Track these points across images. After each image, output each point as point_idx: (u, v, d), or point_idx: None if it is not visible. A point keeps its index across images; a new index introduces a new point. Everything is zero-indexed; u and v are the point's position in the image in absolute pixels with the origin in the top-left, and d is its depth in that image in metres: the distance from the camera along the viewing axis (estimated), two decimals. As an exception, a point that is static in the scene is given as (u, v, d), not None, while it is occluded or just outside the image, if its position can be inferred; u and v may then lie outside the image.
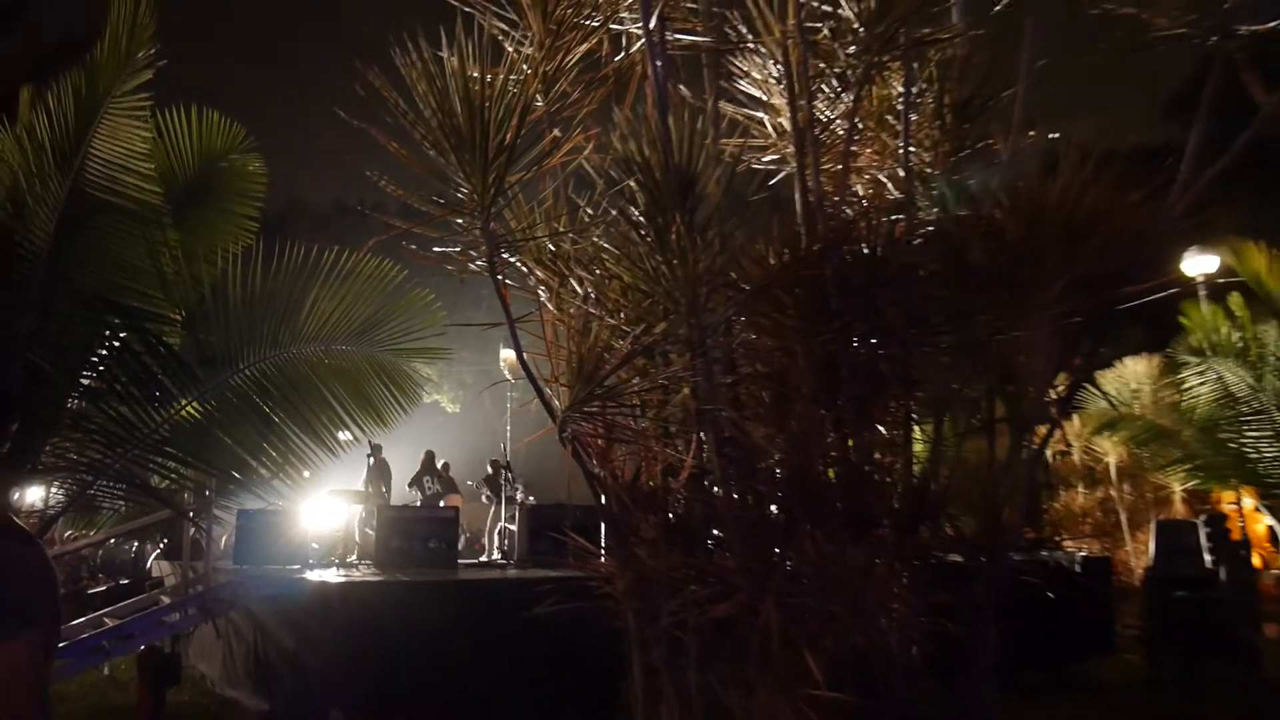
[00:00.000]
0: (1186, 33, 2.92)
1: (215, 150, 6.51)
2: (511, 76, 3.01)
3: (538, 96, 3.22)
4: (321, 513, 10.76)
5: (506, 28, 3.33)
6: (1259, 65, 2.91)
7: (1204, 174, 3.00)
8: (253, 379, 5.76)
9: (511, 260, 3.27)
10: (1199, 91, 3.02)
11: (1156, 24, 2.93)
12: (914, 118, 3.52)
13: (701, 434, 3.09)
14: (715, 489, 3.15)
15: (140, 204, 5.43)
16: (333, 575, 7.87)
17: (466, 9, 3.14)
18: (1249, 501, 11.96)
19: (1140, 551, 12.96)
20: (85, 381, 5.58)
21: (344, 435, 6.78)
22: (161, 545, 11.84)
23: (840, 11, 3.35)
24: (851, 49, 3.37)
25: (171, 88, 6.12)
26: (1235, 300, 8.82)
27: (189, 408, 5.59)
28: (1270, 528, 11.25)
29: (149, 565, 12.14)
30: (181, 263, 5.66)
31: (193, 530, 8.31)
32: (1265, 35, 2.88)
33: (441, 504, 13.52)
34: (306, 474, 6.54)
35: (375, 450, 13.07)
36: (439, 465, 14.76)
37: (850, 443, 3.15)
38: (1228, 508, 12.41)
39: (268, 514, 8.70)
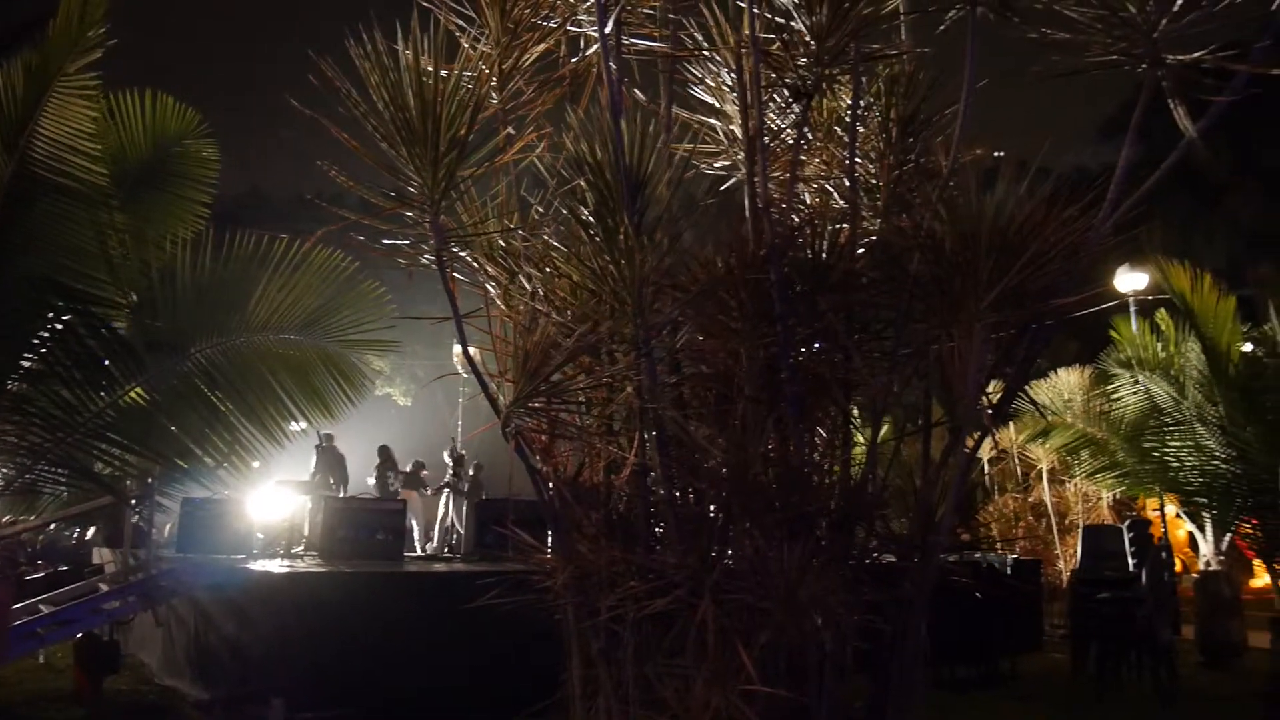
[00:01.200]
0: (1118, 60, 3.05)
1: (169, 134, 6.44)
2: (466, 73, 3.05)
3: (492, 94, 3.27)
4: (268, 503, 10.67)
5: (463, 24, 3.37)
6: (1185, 94, 3.04)
7: (1131, 195, 3.13)
8: (200, 366, 5.71)
9: (462, 255, 3.31)
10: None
11: (1090, 50, 3.05)
12: (861, 130, 3.62)
13: (644, 432, 3.16)
14: (656, 486, 3.22)
15: (87, 185, 5.36)
16: (277, 565, 7.83)
17: (424, 4, 3.18)
18: (1171, 508, 12.38)
19: (1069, 554, 13.33)
20: (26, 364, 5.49)
21: (296, 426, 6.76)
22: (93, 531, 11.65)
23: (793, 24, 3.43)
24: (803, 61, 3.46)
25: (132, 74, 6.08)
26: (1162, 317, 9.15)
27: (134, 393, 5.53)
28: (1190, 534, 11.64)
29: (85, 547, 11.95)
30: (130, 247, 5.60)
31: (135, 517, 8.20)
32: (1191, 65, 3.01)
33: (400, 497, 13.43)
34: (255, 464, 6.50)
35: (327, 440, 12.93)
36: (408, 465, 14.58)
37: (789, 443, 3.24)
38: (1151, 514, 12.83)
39: (212, 503, 8.63)
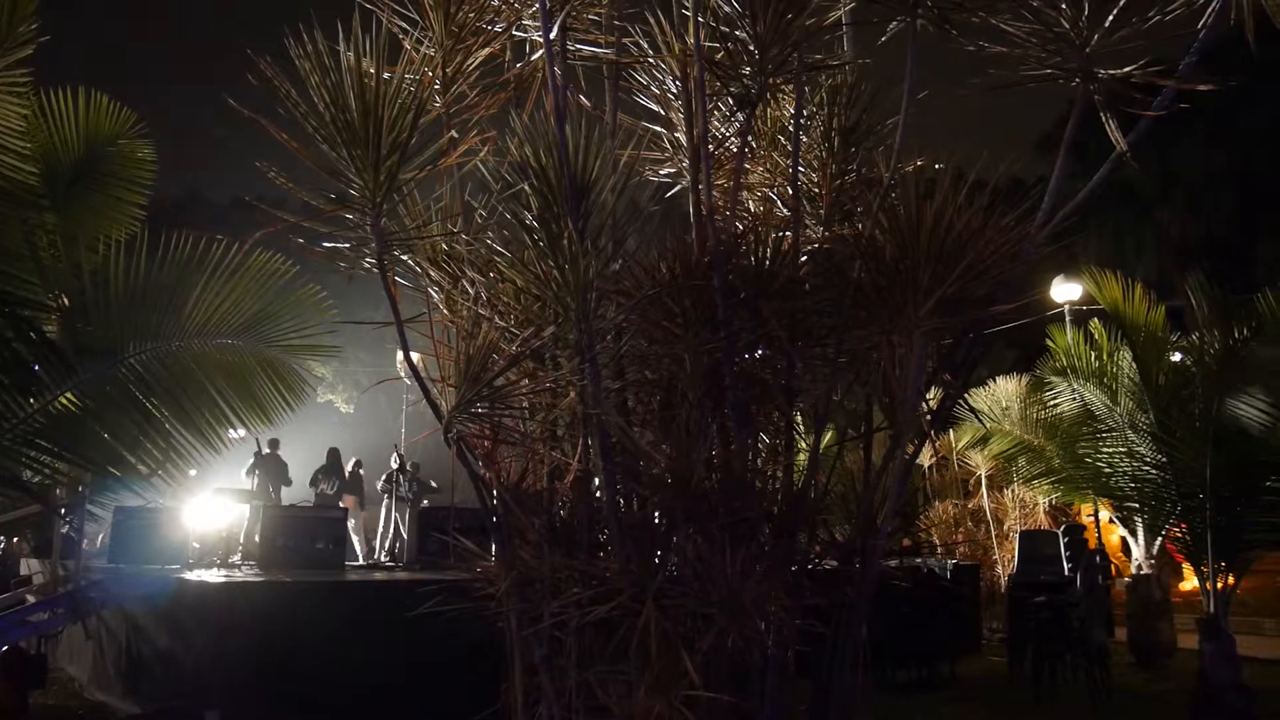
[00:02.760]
0: (1051, 73, 3.13)
1: (103, 134, 6.27)
2: (409, 75, 3.02)
3: (435, 97, 3.25)
4: (205, 511, 10.44)
5: (406, 26, 3.34)
6: (1116, 108, 3.13)
7: (1064, 206, 3.21)
8: (134, 371, 5.56)
9: (404, 259, 3.27)
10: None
11: (1025, 64, 3.13)
12: (804, 139, 3.66)
13: (588, 438, 3.15)
14: (600, 492, 3.22)
15: (16, 185, 5.20)
16: (213, 575, 7.67)
17: (367, 5, 3.14)
18: (1105, 514, 12.70)
19: (1007, 559, 13.61)
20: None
21: (235, 433, 6.62)
22: (14, 542, 11.29)
23: (737, 34, 3.46)
24: (746, 70, 3.49)
25: (66, 73, 5.93)
26: (1095, 326, 9.39)
27: (64, 399, 5.37)
28: (1123, 538, 11.96)
29: (12, 557, 11.58)
30: (61, 249, 5.44)
31: (65, 527, 7.97)
32: (1122, 80, 3.11)
33: (340, 504, 13.14)
34: (192, 472, 6.35)
35: (272, 445, 12.64)
36: (349, 464, 14.22)
37: (733, 449, 3.25)
38: (1085, 519, 13.14)
39: (147, 511, 8.43)
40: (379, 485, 13.35)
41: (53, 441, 5.43)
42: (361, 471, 14.46)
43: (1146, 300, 8.15)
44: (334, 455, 14.01)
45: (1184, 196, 22.70)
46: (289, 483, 13.01)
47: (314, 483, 13.44)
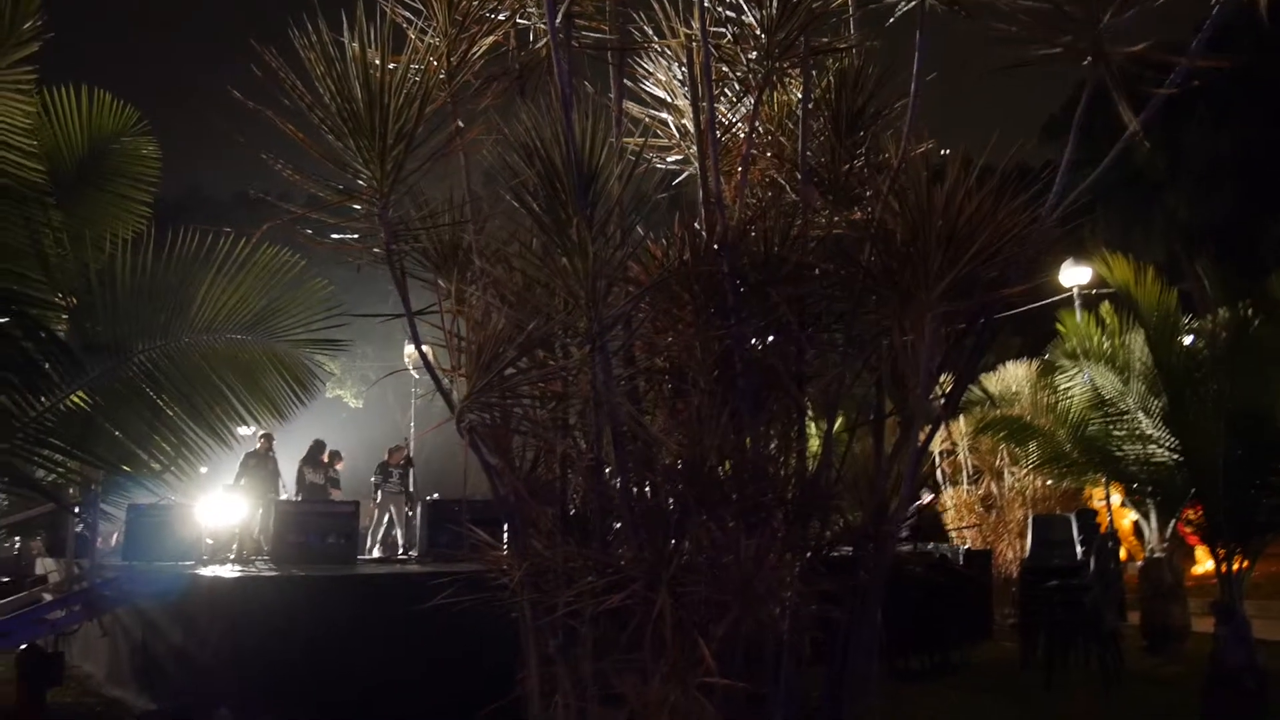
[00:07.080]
0: (1063, 53, 3.09)
1: (106, 132, 6.26)
2: (414, 65, 3.01)
3: (440, 86, 3.23)
4: (217, 508, 10.48)
5: (410, 16, 3.32)
6: (1127, 88, 3.09)
7: (1075, 188, 3.18)
8: (143, 368, 5.55)
9: (412, 251, 3.26)
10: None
11: (1035, 44, 3.09)
12: (811, 123, 3.64)
13: (599, 426, 3.14)
14: (612, 480, 3.21)
15: (21, 182, 5.19)
16: (227, 571, 7.70)
17: (371, -5, 3.13)
18: (1116, 498, 12.63)
19: (1019, 543, 13.56)
20: (-41, 368, 5.30)
21: (246, 430, 6.61)
22: (35, 541, 11.33)
23: (743, 18, 3.44)
24: (753, 55, 3.47)
25: (69, 71, 5.92)
26: (1106, 309, 9.32)
27: (75, 397, 5.37)
28: (1135, 522, 11.92)
29: (27, 557, 11.65)
30: (67, 246, 5.43)
31: (79, 525, 8.01)
32: (1133, 58, 3.07)
33: (334, 498, 13.02)
34: (204, 469, 6.35)
35: (265, 442, 12.45)
36: (326, 455, 13.89)
37: (745, 436, 3.24)
38: (1098, 503, 13.08)
39: (159, 509, 8.48)
40: (371, 479, 13.35)
41: (64, 440, 5.43)
42: (339, 465, 14.15)
43: (1159, 283, 8.08)
44: (318, 446, 13.72)
45: (1191, 180, 22.57)
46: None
47: (300, 477, 13.18)
